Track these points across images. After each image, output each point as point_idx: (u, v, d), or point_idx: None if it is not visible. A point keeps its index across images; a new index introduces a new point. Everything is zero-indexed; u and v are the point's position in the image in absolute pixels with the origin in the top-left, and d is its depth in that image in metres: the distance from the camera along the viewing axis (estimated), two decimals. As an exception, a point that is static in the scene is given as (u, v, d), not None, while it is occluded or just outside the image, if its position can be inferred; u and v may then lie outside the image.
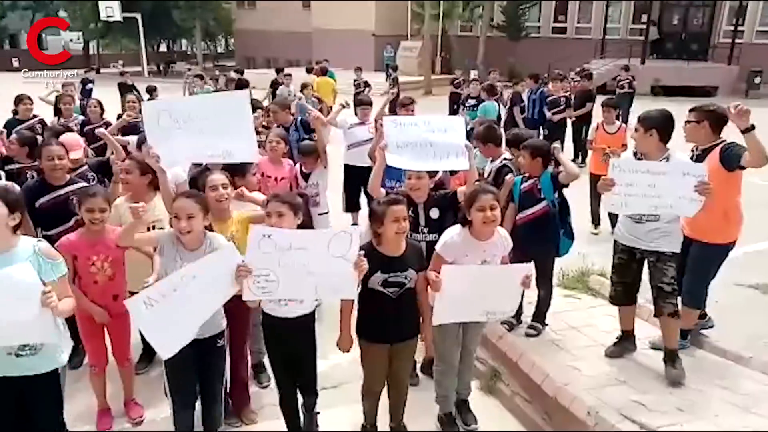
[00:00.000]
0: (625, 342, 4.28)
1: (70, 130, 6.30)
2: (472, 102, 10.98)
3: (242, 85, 10.77)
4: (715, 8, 25.08)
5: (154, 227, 4.00)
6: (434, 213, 4.08)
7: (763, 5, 24.02)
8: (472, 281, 3.32)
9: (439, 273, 3.28)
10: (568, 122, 11.12)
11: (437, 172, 4.54)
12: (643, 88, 19.12)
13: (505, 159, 4.89)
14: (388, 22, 29.13)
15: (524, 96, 11.43)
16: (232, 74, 14.86)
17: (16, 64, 32.44)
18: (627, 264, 4.10)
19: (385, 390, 3.65)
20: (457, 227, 3.54)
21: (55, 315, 2.65)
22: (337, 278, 3.10)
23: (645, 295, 4.25)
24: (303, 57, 28.05)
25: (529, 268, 3.47)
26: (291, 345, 3.46)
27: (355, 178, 6.78)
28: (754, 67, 21.80)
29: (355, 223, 7.41)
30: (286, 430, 3.68)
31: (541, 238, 4.37)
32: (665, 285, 3.89)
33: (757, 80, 21.78)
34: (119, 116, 8.11)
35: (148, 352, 4.50)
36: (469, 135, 4.92)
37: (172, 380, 3.38)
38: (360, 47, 27.87)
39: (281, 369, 3.57)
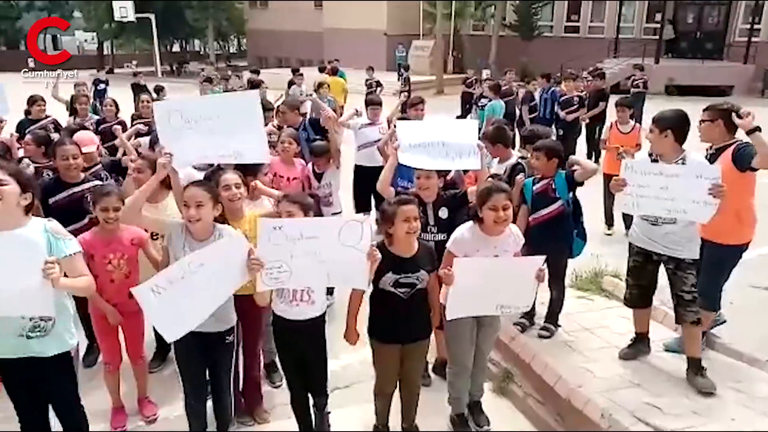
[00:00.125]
0: (639, 344, 4.25)
1: (85, 129, 6.34)
2: (484, 101, 11.00)
3: (255, 84, 10.81)
4: (731, 6, 24.81)
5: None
6: (443, 213, 4.07)
7: (779, 3, 23.77)
8: (485, 274, 3.30)
9: (450, 270, 3.27)
10: (582, 122, 11.05)
11: (449, 171, 4.53)
12: (656, 88, 19.00)
13: (520, 158, 4.86)
14: (400, 21, 29.12)
15: (536, 95, 11.40)
16: (250, 75, 14.93)
17: (31, 64, 32.89)
18: (642, 267, 4.06)
19: (397, 390, 3.65)
20: (468, 223, 3.53)
21: (56, 287, 2.63)
22: (349, 267, 3.09)
23: (659, 296, 4.22)
24: (315, 57, 28.15)
25: (542, 260, 3.44)
26: (301, 347, 3.46)
27: (366, 179, 6.77)
28: (770, 66, 21.61)
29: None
30: (297, 429, 3.69)
31: (554, 239, 4.34)
32: (685, 293, 3.83)
33: (772, 79, 21.58)
34: (133, 116, 8.19)
35: (162, 351, 4.54)
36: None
37: (183, 374, 3.44)
38: (372, 47, 27.89)
39: (292, 370, 3.58)
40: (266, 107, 6.34)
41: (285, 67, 26.80)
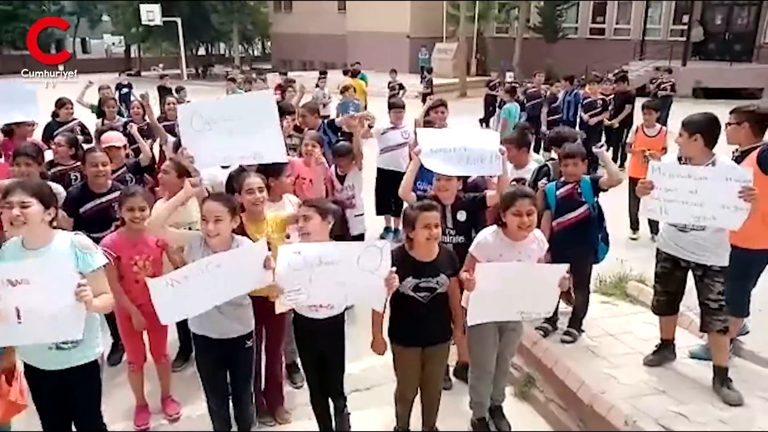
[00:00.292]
0: (665, 350, 4.18)
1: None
2: None
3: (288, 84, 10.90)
4: (761, 7, 24.28)
5: (190, 228, 4.07)
6: (461, 215, 4.06)
7: (811, 4, 23.25)
8: (507, 279, 3.27)
9: (472, 274, 3.26)
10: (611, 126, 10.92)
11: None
12: (684, 91, 18.66)
13: (549, 160, 4.81)
14: (423, 24, 29.13)
15: (559, 97, 11.32)
16: (280, 78, 15.04)
17: (61, 67, 33.55)
18: (670, 273, 3.99)
19: (417, 394, 3.64)
20: (492, 228, 3.51)
21: (88, 311, 2.68)
22: (367, 290, 3.11)
23: (685, 302, 4.15)
24: (338, 60, 28.30)
25: (566, 268, 3.40)
26: (320, 346, 3.48)
27: (387, 182, 6.78)
28: (801, 68, 21.14)
29: (387, 227, 7.44)
30: (318, 430, 3.70)
31: (580, 243, 4.30)
32: (711, 302, 3.77)
33: (804, 82, 21.09)
34: (159, 118, 8.30)
35: (185, 350, 4.58)
36: None
37: (204, 377, 3.49)
38: (395, 49, 27.94)
39: (312, 370, 3.60)
40: (287, 110, 6.38)
41: (309, 70, 27.00)
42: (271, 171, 4.06)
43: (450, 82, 24.20)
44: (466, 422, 3.92)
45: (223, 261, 3.02)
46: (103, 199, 4.38)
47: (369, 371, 4.40)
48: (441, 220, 3.31)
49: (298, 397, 4.21)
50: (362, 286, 3.08)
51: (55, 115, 7.58)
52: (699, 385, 3.89)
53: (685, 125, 3.77)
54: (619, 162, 10.61)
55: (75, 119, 7.65)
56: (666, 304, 4.11)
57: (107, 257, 3.06)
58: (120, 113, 8.67)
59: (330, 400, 3.64)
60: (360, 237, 5.57)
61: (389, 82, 16.09)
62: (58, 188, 4.50)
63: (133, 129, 6.28)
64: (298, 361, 4.05)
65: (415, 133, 5.96)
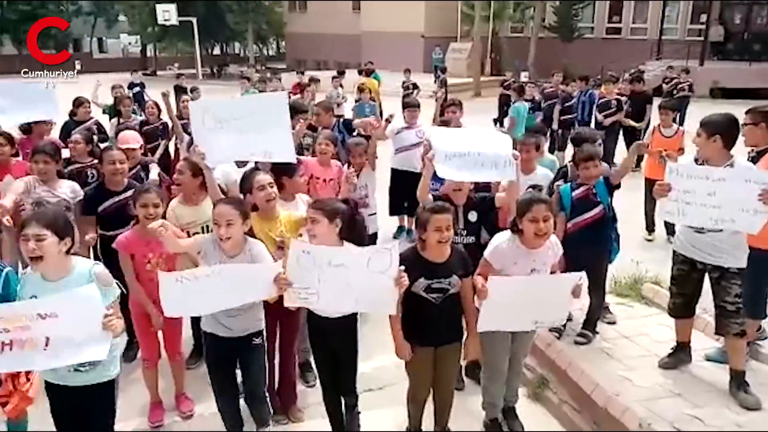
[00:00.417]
0: (681, 353, 4.14)
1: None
2: (527, 105, 10.70)
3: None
4: (782, 6, 24.04)
5: (208, 228, 4.09)
6: (473, 216, 4.04)
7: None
8: (520, 292, 3.25)
9: (485, 278, 3.24)
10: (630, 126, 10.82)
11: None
12: (701, 91, 18.48)
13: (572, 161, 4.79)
14: (438, 23, 29.10)
15: (574, 96, 11.25)
16: (295, 78, 15.13)
17: (78, 67, 33.96)
18: (687, 275, 3.94)
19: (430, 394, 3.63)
20: (507, 233, 3.49)
21: (115, 336, 2.74)
22: (378, 293, 3.09)
23: (702, 304, 4.10)
24: (352, 59, 28.31)
25: (580, 277, 3.37)
26: (333, 344, 3.48)
27: (402, 182, 6.78)
28: (822, 68, 20.83)
29: (401, 226, 7.44)
30: (330, 428, 3.71)
31: (594, 244, 4.28)
32: (728, 304, 3.72)
33: (825, 82, 20.77)
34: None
35: (199, 348, 4.61)
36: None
37: (212, 376, 3.51)
38: (409, 49, 27.93)
39: (325, 368, 3.60)
40: (300, 109, 6.40)
41: (323, 69, 27.06)
42: (284, 170, 4.08)
43: (464, 82, 24.12)
44: (478, 423, 3.90)
45: (237, 273, 3.07)
46: (121, 197, 4.42)
47: (381, 370, 4.39)
48: (453, 221, 3.29)
49: (310, 396, 4.22)
50: (372, 288, 3.07)
51: (72, 114, 7.68)
52: (715, 388, 3.84)
53: (703, 125, 3.72)
54: (635, 163, 10.52)
55: (92, 118, 7.74)
56: (682, 307, 4.06)
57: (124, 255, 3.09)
58: (134, 112, 8.74)
59: (342, 397, 3.64)
60: (373, 236, 5.57)
61: (403, 82, 16.07)
62: (75, 186, 4.58)
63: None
64: (311, 359, 4.06)
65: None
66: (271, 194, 3.71)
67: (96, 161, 5.22)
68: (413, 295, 3.27)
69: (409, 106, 7.07)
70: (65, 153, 5.48)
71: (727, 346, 3.90)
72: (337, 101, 11.71)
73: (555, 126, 10.72)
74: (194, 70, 32.32)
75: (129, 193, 4.40)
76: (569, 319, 4.51)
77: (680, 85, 14.19)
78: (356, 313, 3.47)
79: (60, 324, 2.63)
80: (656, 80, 19.03)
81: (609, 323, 4.74)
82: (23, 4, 37.04)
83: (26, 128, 6.43)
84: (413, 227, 4.10)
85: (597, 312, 4.53)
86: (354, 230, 3.38)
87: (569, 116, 10.97)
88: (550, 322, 3.53)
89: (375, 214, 5.71)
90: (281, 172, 4.04)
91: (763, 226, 3.45)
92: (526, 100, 10.82)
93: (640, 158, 10.04)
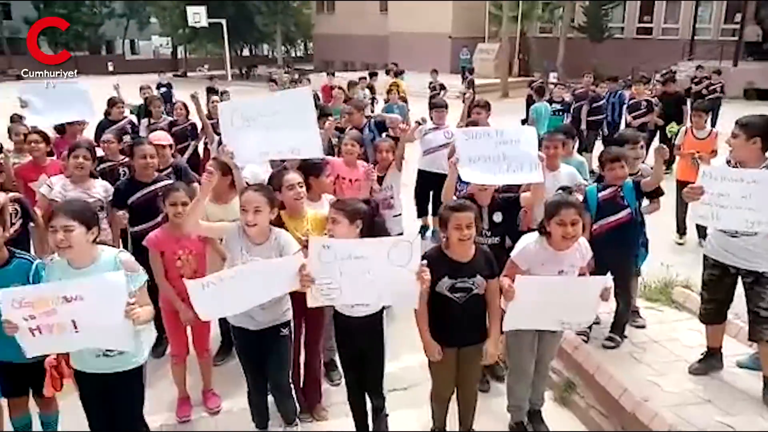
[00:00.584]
0: (712, 359, 4.06)
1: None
2: (556, 106, 10.53)
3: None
4: (819, 5, 23.38)
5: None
6: (497, 217, 4.03)
7: None
8: (547, 292, 3.22)
9: (512, 280, 3.22)
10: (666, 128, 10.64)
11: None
12: (735, 92, 18.08)
13: None
14: (465, 24, 28.99)
15: (602, 96, 11.10)
16: (325, 79, 15.17)
17: (111, 68, 34.71)
18: (719, 280, 3.86)
19: (454, 395, 3.62)
20: (535, 235, 3.46)
21: (135, 326, 2.80)
22: (400, 287, 3.09)
23: (734, 309, 4.02)
24: (380, 60, 28.37)
25: (608, 280, 3.33)
26: (359, 344, 3.49)
27: (428, 184, 6.76)
28: None
29: (424, 225, 7.40)
30: (354, 428, 3.71)
31: (620, 247, 4.21)
32: (762, 309, 3.64)
33: None
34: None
35: (227, 345, 4.67)
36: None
37: (244, 366, 3.59)
38: (436, 50, 27.89)
39: (350, 367, 3.61)
40: (325, 112, 6.46)
41: (350, 70, 27.16)
42: (311, 170, 4.11)
43: (491, 83, 23.98)
44: (504, 425, 3.88)
45: (261, 269, 3.10)
46: (150, 188, 4.52)
47: (407, 370, 4.39)
48: (477, 221, 3.27)
49: (334, 395, 4.24)
50: (394, 282, 3.07)
51: (107, 113, 7.85)
52: (747, 396, 3.76)
53: (742, 127, 3.64)
54: (666, 165, 10.34)
55: (125, 118, 7.90)
56: (714, 313, 3.98)
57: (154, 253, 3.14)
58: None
59: (368, 399, 3.65)
60: (398, 238, 5.55)
61: (430, 83, 16.02)
62: (107, 186, 4.68)
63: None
64: (336, 358, 4.08)
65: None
66: (300, 194, 3.75)
67: (127, 158, 5.32)
68: (437, 295, 3.27)
69: (437, 106, 7.05)
70: (98, 152, 5.61)
71: (761, 352, 3.81)
72: (365, 102, 11.74)
73: (583, 126, 10.60)
74: (223, 71, 32.72)
75: (159, 184, 4.51)
76: (596, 323, 4.46)
77: (712, 87, 13.91)
78: (382, 313, 3.48)
79: (85, 308, 2.69)
80: (689, 81, 18.70)
81: (638, 327, 4.67)
82: (59, 7, 37.96)
83: (60, 128, 6.59)
84: (438, 227, 4.10)
85: (624, 316, 4.47)
86: (374, 231, 3.37)
87: (597, 117, 10.83)
88: (577, 323, 3.50)
89: (400, 215, 5.70)
90: (308, 171, 4.07)
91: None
92: (555, 102, 10.70)
93: (672, 160, 9.91)
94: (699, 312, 4.14)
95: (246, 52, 42.26)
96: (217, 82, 15.23)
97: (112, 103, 7.87)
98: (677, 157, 7.65)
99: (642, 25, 27.44)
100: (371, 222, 3.42)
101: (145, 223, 4.40)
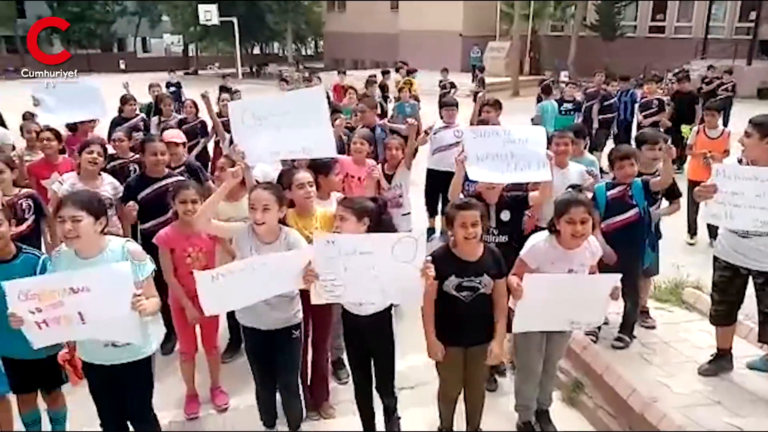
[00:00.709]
0: (722, 360, 4.03)
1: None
2: (568, 106, 10.36)
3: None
4: (835, 3, 23.09)
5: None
6: (505, 215, 4.02)
7: None
8: (556, 291, 3.21)
9: (521, 279, 3.21)
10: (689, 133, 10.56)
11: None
12: (749, 91, 17.91)
13: None
14: (476, 22, 28.91)
15: (613, 95, 11.04)
16: (337, 78, 15.21)
17: (123, 66, 34.95)
18: (729, 282, 3.83)
19: (461, 395, 3.61)
20: (544, 233, 3.45)
21: (141, 317, 2.81)
22: (404, 283, 3.07)
23: (744, 310, 3.99)
24: (390, 59, 28.34)
25: (618, 278, 3.32)
26: (367, 342, 3.49)
27: (438, 183, 6.74)
28: None
29: (431, 228, 7.37)
30: (361, 426, 3.72)
31: (627, 246, 4.19)
32: None
33: None
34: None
35: (235, 343, 4.69)
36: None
37: (252, 364, 3.58)
38: (447, 48, 27.83)
39: (358, 366, 3.61)
40: (336, 109, 6.47)
41: (360, 69, 27.17)
42: (320, 168, 4.12)
43: (502, 81, 23.88)
44: (511, 424, 3.87)
45: (270, 262, 3.09)
46: (160, 184, 4.55)
47: (413, 370, 4.38)
48: (483, 220, 3.26)
49: (342, 393, 4.25)
50: (398, 278, 3.05)
51: (120, 111, 7.91)
52: (757, 397, 3.73)
53: (756, 126, 3.61)
54: (678, 164, 10.26)
55: (138, 115, 7.96)
56: (724, 315, 3.95)
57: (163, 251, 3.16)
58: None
59: (380, 399, 3.64)
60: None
61: (440, 81, 16.00)
62: (115, 183, 4.71)
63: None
64: (344, 357, 4.09)
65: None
66: (310, 192, 3.76)
67: (137, 156, 5.35)
68: (444, 294, 3.27)
69: (447, 105, 7.03)
70: (109, 149, 5.65)
71: None
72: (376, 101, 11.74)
73: (596, 125, 10.54)
74: (234, 69, 32.85)
75: (168, 180, 4.53)
76: (605, 323, 4.44)
77: (723, 86, 13.80)
78: (391, 312, 3.48)
79: (92, 299, 2.71)
80: (700, 81, 18.55)
81: (648, 328, 4.65)
82: (72, 5, 38.24)
83: (72, 126, 6.65)
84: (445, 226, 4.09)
85: (632, 315, 4.45)
86: (382, 229, 3.36)
87: (608, 116, 10.77)
88: (587, 323, 3.48)
89: (409, 213, 5.70)
90: (317, 170, 4.08)
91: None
92: (567, 101, 10.64)
93: (683, 160, 9.83)
94: (709, 314, 4.12)
95: (257, 50, 42.37)
96: (229, 80, 15.26)
97: (124, 100, 7.94)
98: (689, 157, 7.59)
99: (655, 23, 27.24)
100: (379, 220, 3.41)
101: (155, 219, 4.43)
